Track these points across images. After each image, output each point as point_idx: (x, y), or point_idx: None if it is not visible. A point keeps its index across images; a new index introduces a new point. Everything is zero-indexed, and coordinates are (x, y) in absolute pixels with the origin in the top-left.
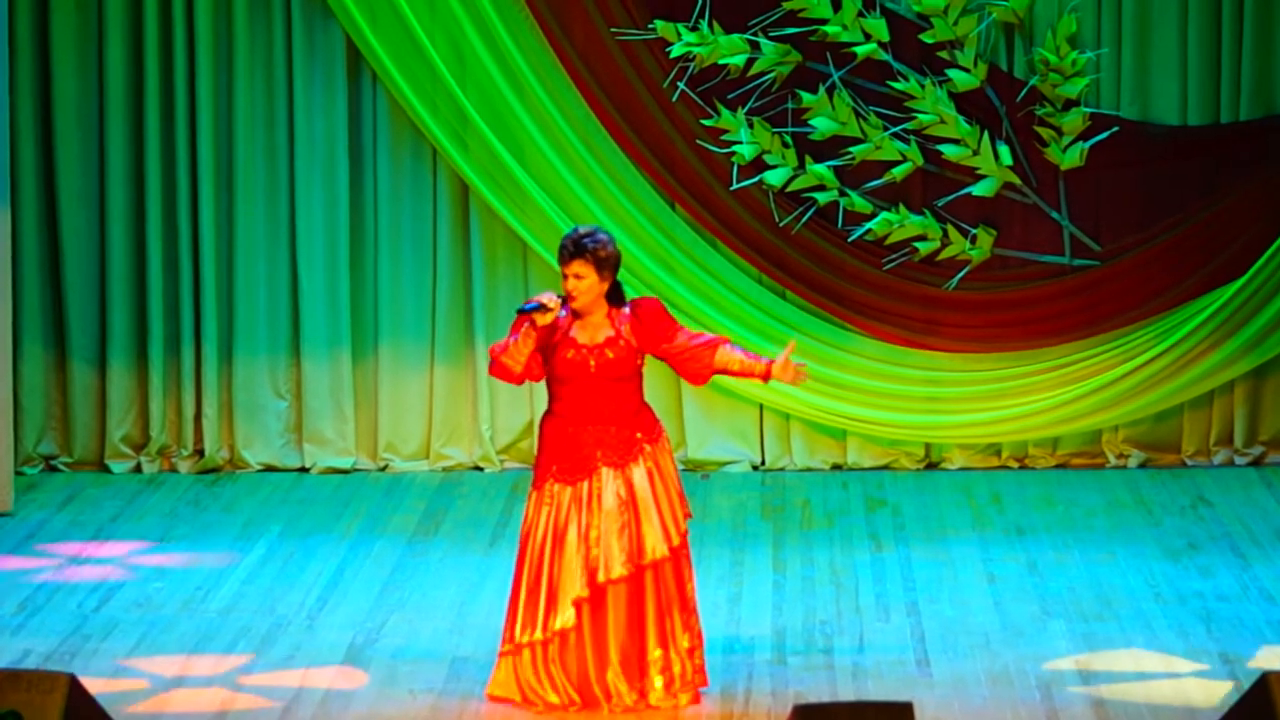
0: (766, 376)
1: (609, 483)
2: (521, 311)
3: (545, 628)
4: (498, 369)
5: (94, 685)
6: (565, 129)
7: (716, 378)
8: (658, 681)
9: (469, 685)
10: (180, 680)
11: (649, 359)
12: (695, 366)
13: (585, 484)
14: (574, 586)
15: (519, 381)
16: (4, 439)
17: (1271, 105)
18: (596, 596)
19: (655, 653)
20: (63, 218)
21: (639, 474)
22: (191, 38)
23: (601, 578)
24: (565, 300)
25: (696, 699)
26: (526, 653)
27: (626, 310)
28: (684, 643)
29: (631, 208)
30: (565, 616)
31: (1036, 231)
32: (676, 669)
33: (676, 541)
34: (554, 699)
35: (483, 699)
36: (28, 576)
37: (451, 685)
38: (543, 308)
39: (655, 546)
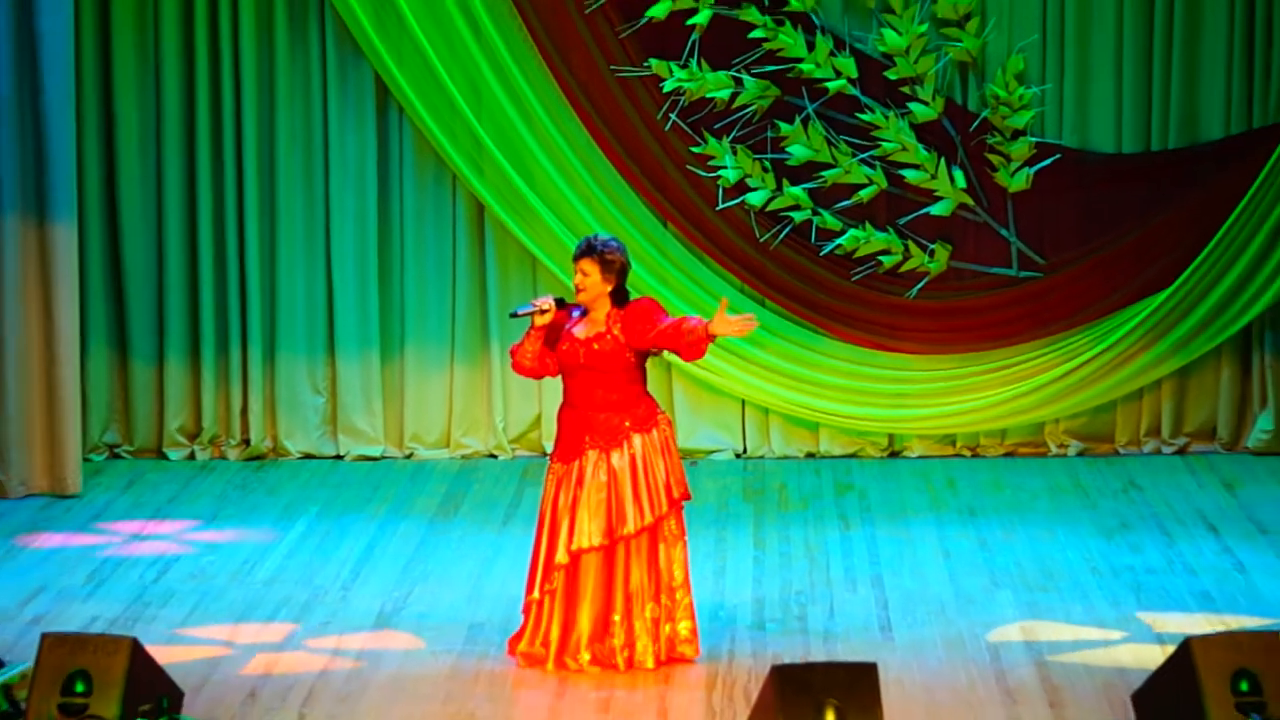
0: (710, 336)
1: (592, 464)
2: (514, 315)
3: (540, 588)
4: (515, 366)
5: (154, 647)
6: (570, 156)
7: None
8: (617, 642)
9: (484, 647)
10: (229, 643)
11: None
12: (673, 345)
13: (576, 463)
14: (558, 553)
15: (535, 376)
16: (73, 429)
17: (1196, 136)
18: (573, 563)
19: (615, 617)
20: (124, 232)
21: (618, 458)
22: (237, 73)
23: (574, 545)
24: (564, 301)
25: (658, 665)
26: (532, 610)
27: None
28: (649, 613)
29: (628, 225)
30: (551, 579)
31: (988, 247)
32: (641, 640)
33: (649, 521)
34: (540, 653)
35: (497, 659)
36: (95, 551)
37: (469, 647)
38: (539, 310)
39: (627, 523)
